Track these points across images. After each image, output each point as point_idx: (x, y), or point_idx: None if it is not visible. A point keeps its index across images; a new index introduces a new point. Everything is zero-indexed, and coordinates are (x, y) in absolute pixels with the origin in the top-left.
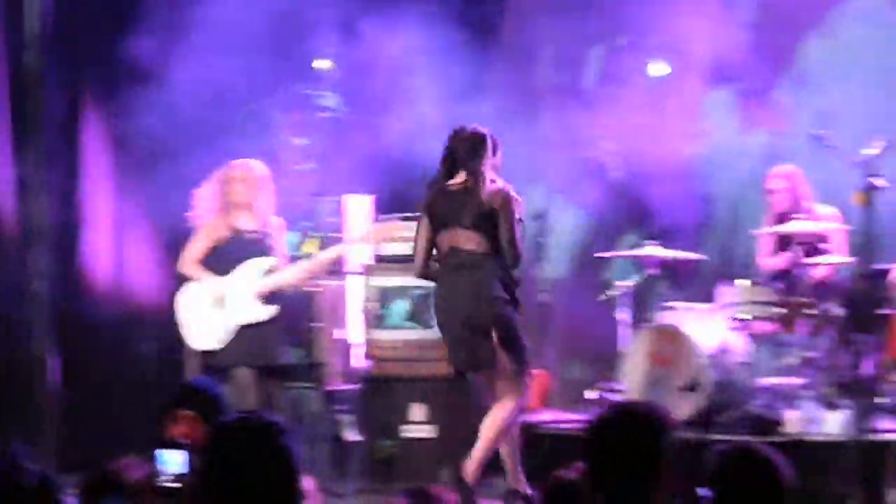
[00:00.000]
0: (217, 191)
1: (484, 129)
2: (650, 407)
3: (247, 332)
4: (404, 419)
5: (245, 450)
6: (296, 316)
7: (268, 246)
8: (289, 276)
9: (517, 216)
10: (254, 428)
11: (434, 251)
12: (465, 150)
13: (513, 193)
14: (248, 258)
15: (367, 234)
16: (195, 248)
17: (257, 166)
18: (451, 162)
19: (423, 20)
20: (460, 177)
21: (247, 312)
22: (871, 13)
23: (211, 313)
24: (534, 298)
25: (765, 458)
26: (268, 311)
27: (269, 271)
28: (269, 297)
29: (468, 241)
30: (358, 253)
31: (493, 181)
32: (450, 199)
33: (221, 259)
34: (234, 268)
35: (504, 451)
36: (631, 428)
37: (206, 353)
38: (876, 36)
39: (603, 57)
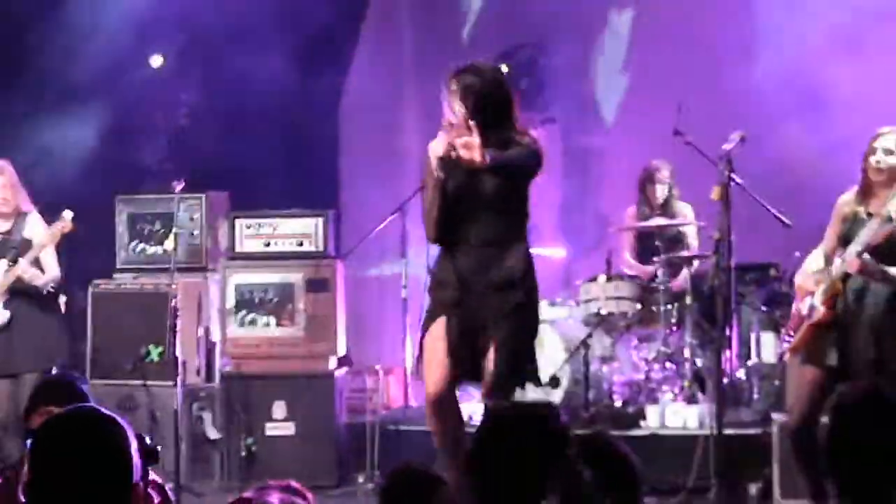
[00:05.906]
0: None
1: None
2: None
3: None
4: (266, 417)
5: (65, 441)
6: (155, 313)
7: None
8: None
9: None
10: (78, 419)
11: None
12: None
13: None
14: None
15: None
16: None
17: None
18: None
19: None
20: None
21: None
22: None
23: None
24: None
25: (613, 448)
26: (3, 316)
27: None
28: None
29: None
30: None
31: None
32: None
33: None
34: None
35: None
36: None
37: None
38: None
39: None
